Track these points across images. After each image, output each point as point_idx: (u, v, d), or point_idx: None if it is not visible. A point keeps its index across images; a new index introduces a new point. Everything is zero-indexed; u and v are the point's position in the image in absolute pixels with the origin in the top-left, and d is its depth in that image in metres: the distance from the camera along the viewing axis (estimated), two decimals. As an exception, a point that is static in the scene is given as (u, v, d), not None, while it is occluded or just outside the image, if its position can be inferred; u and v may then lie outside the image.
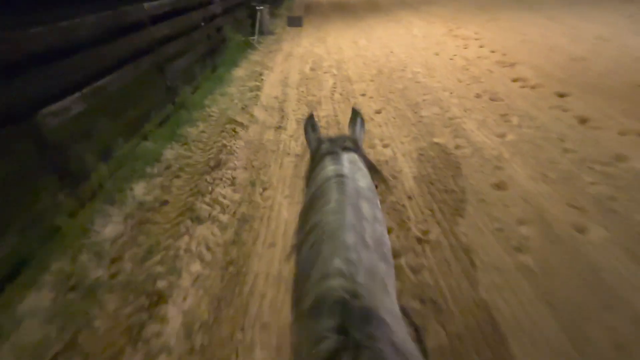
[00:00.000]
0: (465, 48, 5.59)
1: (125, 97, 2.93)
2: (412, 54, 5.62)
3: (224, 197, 2.42)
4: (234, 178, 2.65)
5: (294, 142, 3.18)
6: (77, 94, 2.32)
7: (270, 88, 4.71)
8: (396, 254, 1.87)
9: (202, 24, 5.31)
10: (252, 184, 2.56)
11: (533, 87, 3.89)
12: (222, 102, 4.21)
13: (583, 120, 3.10)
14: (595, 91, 3.60)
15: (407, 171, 2.61)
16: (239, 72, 5.47)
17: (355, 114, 1.28)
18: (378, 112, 3.68)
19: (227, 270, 1.84)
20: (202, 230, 2.13)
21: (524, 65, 4.54)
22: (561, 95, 3.60)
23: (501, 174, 2.48)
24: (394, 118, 3.51)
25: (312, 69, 5.37)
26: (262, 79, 5.09)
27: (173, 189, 2.58)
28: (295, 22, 8.43)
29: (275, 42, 7.44)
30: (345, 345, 0.54)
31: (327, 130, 3.32)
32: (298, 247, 0.86)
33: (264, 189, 2.50)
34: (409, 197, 2.33)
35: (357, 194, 0.87)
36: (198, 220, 2.21)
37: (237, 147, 3.09)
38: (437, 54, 5.47)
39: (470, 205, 2.21)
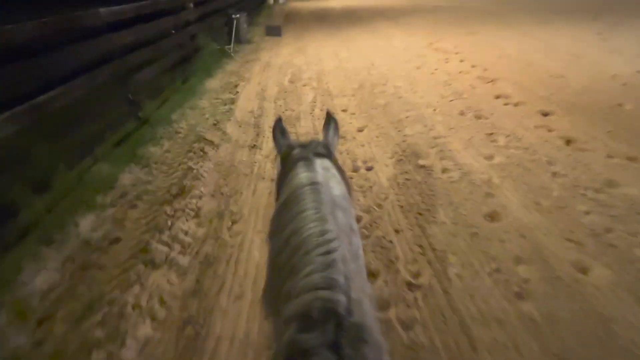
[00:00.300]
0: (447, 62, 5.54)
1: (75, 115, 2.56)
2: (393, 67, 5.50)
3: (186, 234, 2.09)
4: (198, 208, 2.33)
5: (270, 163, 2.90)
6: (6, 114, 1.94)
7: (245, 101, 4.42)
8: (385, 305, 1.63)
9: (173, 31, 4.97)
10: (220, 215, 2.25)
11: (516, 105, 3.82)
12: (191, 117, 3.87)
13: (569, 142, 3.01)
14: (576, 110, 3.57)
15: (393, 199, 2.39)
16: (213, 83, 5.14)
17: (329, 118, 1.23)
18: (360, 130, 3.47)
19: (184, 332, 1.52)
20: (156, 278, 1.79)
21: (506, 81, 4.50)
22: (545, 114, 3.54)
23: (493, 203, 2.30)
24: (377, 137, 3.31)
25: (290, 81, 5.13)
26: (237, 91, 4.79)
27: (127, 222, 2.22)
28: (274, 31, 8.20)
29: (253, 52, 7.16)
30: None
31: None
32: (275, 252, 0.82)
33: (233, 222, 2.19)
34: (397, 231, 2.10)
35: (332, 203, 0.82)
36: (152, 264, 1.88)
37: (204, 171, 2.77)
38: (418, 68, 5.38)
39: (463, 240, 2.00)
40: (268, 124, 3.69)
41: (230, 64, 6.20)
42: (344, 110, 3.95)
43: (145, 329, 1.53)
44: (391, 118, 3.71)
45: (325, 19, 11.24)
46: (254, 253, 1.94)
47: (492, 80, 4.58)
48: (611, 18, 7.77)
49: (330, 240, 0.70)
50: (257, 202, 2.37)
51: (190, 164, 2.83)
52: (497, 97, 4.07)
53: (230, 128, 3.61)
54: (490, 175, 2.60)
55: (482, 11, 10.38)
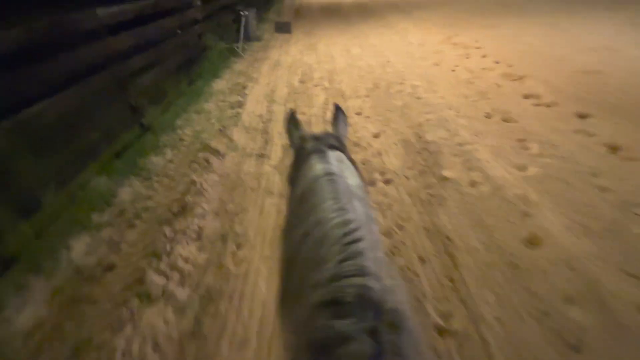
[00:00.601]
0: (467, 58, 5.17)
1: (68, 127, 2.38)
2: (409, 64, 5.17)
3: (186, 260, 1.89)
4: (200, 229, 2.12)
5: (279, 176, 2.67)
6: (-11, 130, 1.77)
7: (254, 104, 4.20)
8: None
9: (179, 31, 4.77)
10: (224, 239, 2.04)
11: (548, 106, 3.47)
12: (197, 122, 3.68)
13: (614, 149, 2.67)
14: (619, 111, 3.20)
15: (416, 219, 2.13)
16: (220, 84, 4.93)
17: (338, 111, 1.25)
18: (376, 135, 3.20)
19: (179, 388, 1.32)
20: (151, 316, 1.60)
21: (534, 79, 4.13)
22: (582, 116, 3.18)
23: (532, 224, 2.01)
24: (395, 144, 3.03)
25: (301, 81, 4.87)
26: (245, 93, 4.57)
27: (124, 245, 2.04)
28: (283, 28, 7.93)
29: (262, 50, 6.92)
30: (379, 350, 0.52)
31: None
32: (295, 246, 0.79)
33: (238, 247, 1.98)
34: (422, 259, 1.84)
35: (349, 193, 0.83)
36: (148, 298, 1.68)
37: (208, 184, 2.56)
38: (437, 65, 5.03)
39: (500, 272, 1.73)
40: (277, 129, 3.46)
41: (238, 63, 5.98)
42: (357, 114, 3.68)
43: (135, 383, 1.33)
44: (410, 122, 3.42)
45: (336, 14, 10.89)
46: (260, 285, 1.72)
47: (519, 78, 4.21)
48: (646, 6, 7.17)
49: (355, 230, 0.69)
50: (264, 223, 2.14)
51: (194, 176, 2.63)
52: (526, 96, 3.72)
53: (237, 134, 3.39)
54: (525, 190, 2.31)
55: (497, 3, 9.83)
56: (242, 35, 6.75)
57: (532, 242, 1.90)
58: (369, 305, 0.56)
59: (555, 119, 3.20)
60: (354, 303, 0.57)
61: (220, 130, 3.48)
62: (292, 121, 1.21)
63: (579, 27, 6.23)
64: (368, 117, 3.60)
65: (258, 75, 5.32)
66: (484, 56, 5.15)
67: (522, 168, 2.55)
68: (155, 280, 1.75)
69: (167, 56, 4.16)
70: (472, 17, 8.04)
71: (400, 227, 2.07)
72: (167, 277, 1.78)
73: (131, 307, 1.63)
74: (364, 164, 2.76)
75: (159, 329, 1.54)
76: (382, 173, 2.63)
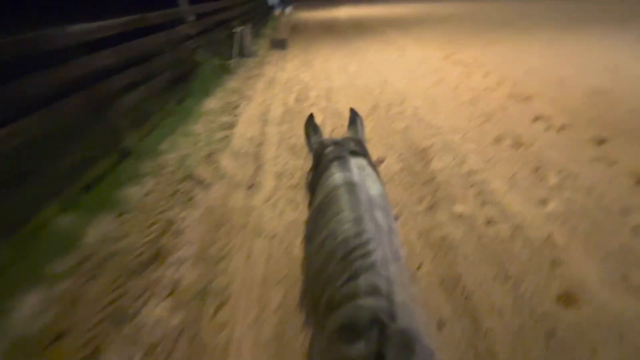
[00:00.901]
0: (468, 77, 5.00)
1: (30, 157, 2.08)
2: (409, 83, 4.98)
3: (155, 325, 1.56)
4: (176, 282, 1.80)
5: (271, 210, 2.37)
6: None
7: (245, 125, 3.93)
8: None
9: (168, 48, 4.55)
10: (203, 295, 1.72)
11: (561, 129, 3.24)
12: (183, 146, 3.39)
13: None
14: (637, 135, 2.98)
15: (428, 268, 1.83)
16: (211, 103, 4.68)
17: (354, 115, 1.23)
18: (380, 161, 2.94)
19: None
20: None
21: (542, 100, 3.93)
22: (600, 142, 2.95)
23: (563, 275, 1.72)
24: (400, 172, 2.77)
25: (297, 100, 4.64)
26: (237, 113, 4.31)
27: (81, 304, 1.70)
28: (279, 45, 7.80)
29: (257, 66, 6.73)
30: None
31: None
32: (310, 259, 0.78)
33: (219, 306, 1.66)
34: (439, 322, 1.54)
35: (370, 203, 0.78)
36: (101, 383, 1.35)
37: (189, 222, 2.25)
38: (437, 84, 4.84)
39: (535, 342, 1.43)
40: (270, 155, 3.18)
41: (232, 81, 5.76)
42: (357, 137, 3.42)
43: None
44: (413, 146, 3.16)
45: (333, 30, 10.85)
46: (243, 363, 1.40)
47: (525, 98, 4.01)
48: (643, 24, 7.16)
49: (367, 242, 0.67)
50: (251, 274, 1.83)
51: (172, 213, 2.32)
52: (536, 119, 3.50)
53: (225, 160, 3.10)
54: (549, 230, 2.03)
55: (495, 21, 9.86)
56: (234, 52, 6.58)
57: (567, 300, 1.61)
58: (374, 327, 0.53)
59: (570, 145, 2.96)
60: (362, 326, 0.54)
61: (208, 155, 3.19)
62: (311, 125, 1.20)
63: (578, 45, 6.14)
64: (369, 140, 3.34)
65: (252, 93, 5.09)
66: (485, 75, 4.98)
67: (542, 203, 2.28)
68: (114, 357, 1.42)
69: (154, 74, 3.91)
70: (471, 34, 7.98)
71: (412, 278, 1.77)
72: (129, 352, 1.45)
73: (79, 396, 1.30)
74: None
75: None
76: (386, 208, 2.35)
